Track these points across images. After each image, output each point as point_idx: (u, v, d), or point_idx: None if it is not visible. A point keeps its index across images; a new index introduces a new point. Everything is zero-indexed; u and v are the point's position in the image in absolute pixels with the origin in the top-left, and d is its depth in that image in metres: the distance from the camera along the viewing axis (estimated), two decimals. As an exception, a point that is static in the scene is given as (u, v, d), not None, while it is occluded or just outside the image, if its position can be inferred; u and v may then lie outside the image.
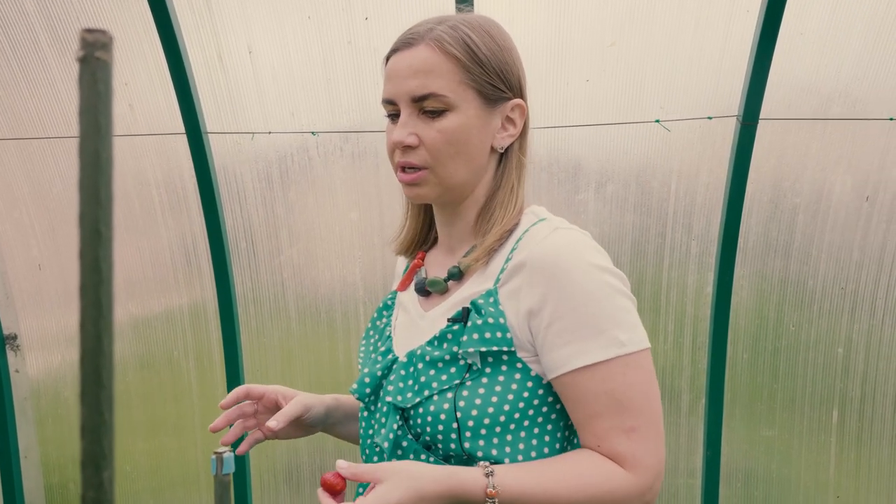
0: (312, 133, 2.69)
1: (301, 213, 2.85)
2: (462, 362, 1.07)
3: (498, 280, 1.08)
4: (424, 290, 1.20)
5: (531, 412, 1.06)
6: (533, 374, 1.06)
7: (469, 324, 1.06)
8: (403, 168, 1.12)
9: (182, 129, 2.64)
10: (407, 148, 1.10)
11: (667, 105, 2.59)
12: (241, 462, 3.00)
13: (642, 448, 1.03)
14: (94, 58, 0.44)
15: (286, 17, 2.52)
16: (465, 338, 1.05)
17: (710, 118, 2.58)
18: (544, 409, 1.07)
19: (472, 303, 1.08)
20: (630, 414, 1.02)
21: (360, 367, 1.27)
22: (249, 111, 2.68)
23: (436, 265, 1.23)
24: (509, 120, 1.14)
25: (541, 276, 1.03)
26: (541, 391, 1.06)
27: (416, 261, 1.27)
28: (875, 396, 2.93)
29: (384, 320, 1.30)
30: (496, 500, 0.98)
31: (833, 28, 2.48)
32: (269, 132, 2.68)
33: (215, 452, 1.04)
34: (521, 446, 1.07)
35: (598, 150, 2.69)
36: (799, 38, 2.45)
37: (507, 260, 1.09)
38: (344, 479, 1.02)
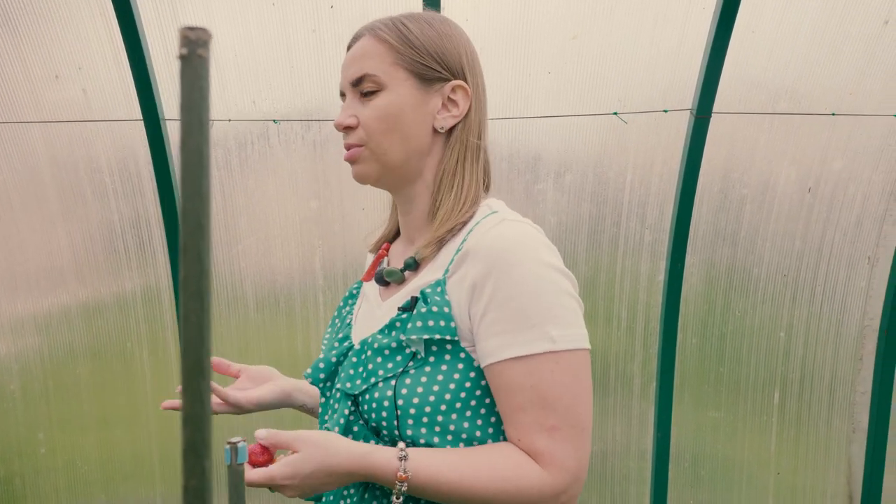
0: (274, 121, 2.67)
1: (261, 201, 2.83)
2: (408, 350, 1.08)
3: (447, 270, 1.10)
4: (383, 281, 1.22)
5: (473, 402, 1.07)
6: (475, 363, 1.07)
7: (415, 312, 1.08)
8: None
9: (139, 115, 2.58)
10: (347, 129, 1.16)
11: (624, 98, 2.66)
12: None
13: (561, 449, 1.02)
14: (197, 55, 0.45)
15: (250, 3, 2.49)
16: (410, 325, 1.07)
17: (665, 111, 2.66)
18: (486, 399, 1.08)
19: (421, 292, 1.10)
20: (553, 412, 1.02)
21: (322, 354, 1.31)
22: (210, 97, 2.64)
23: (397, 255, 1.26)
24: (451, 101, 1.16)
25: (483, 264, 1.04)
26: (483, 381, 1.07)
27: (381, 251, 1.30)
28: (813, 379, 3.09)
29: (348, 309, 1.33)
30: (406, 485, 1.01)
31: (782, 28, 2.58)
32: (230, 119, 2.65)
33: (229, 442, 1.04)
34: (464, 436, 1.07)
35: (558, 140, 2.75)
36: (751, 36, 2.55)
37: (458, 251, 1.10)
38: (268, 451, 1.05)
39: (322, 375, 1.20)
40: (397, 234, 1.33)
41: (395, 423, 1.06)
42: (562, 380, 1.01)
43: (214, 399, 1.35)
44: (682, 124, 2.69)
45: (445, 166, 1.16)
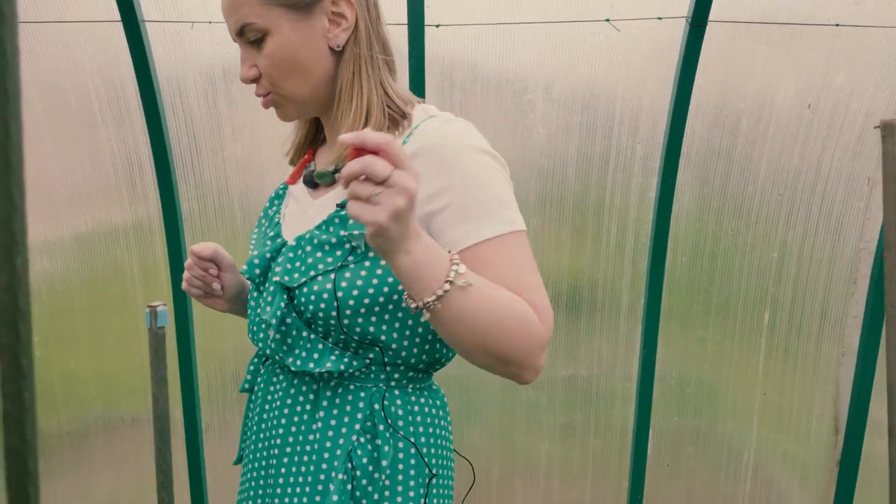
0: (256, 24, 2.59)
1: (245, 107, 2.78)
2: (347, 246, 1.12)
3: None
4: (312, 182, 1.26)
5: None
6: None
7: None
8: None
9: (117, 16, 2.52)
10: (254, 80, 1.19)
11: (617, 4, 2.56)
12: (189, 367, 2.98)
13: (546, 301, 1.09)
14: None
15: None
16: (352, 220, 1.10)
17: (660, 19, 2.57)
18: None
19: None
20: (531, 273, 1.09)
21: (251, 251, 1.34)
22: (189, -1, 2.57)
23: (324, 161, 1.31)
24: (337, 15, 1.16)
25: (438, 163, 1.08)
26: None
27: (305, 156, 1.35)
28: (805, 299, 3.05)
29: (274, 209, 1.37)
30: (461, 268, 0.98)
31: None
32: (210, 21, 2.58)
33: (149, 306, 1.05)
34: (397, 325, 1.13)
35: (547, 49, 2.66)
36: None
37: None
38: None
39: (258, 271, 1.25)
40: (316, 140, 1.39)
41: (334, 314, 1.10)
42: (526, 251, 1.10)
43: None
44: (677, 33, 2.59)
45: (342, 83, 1.18)
